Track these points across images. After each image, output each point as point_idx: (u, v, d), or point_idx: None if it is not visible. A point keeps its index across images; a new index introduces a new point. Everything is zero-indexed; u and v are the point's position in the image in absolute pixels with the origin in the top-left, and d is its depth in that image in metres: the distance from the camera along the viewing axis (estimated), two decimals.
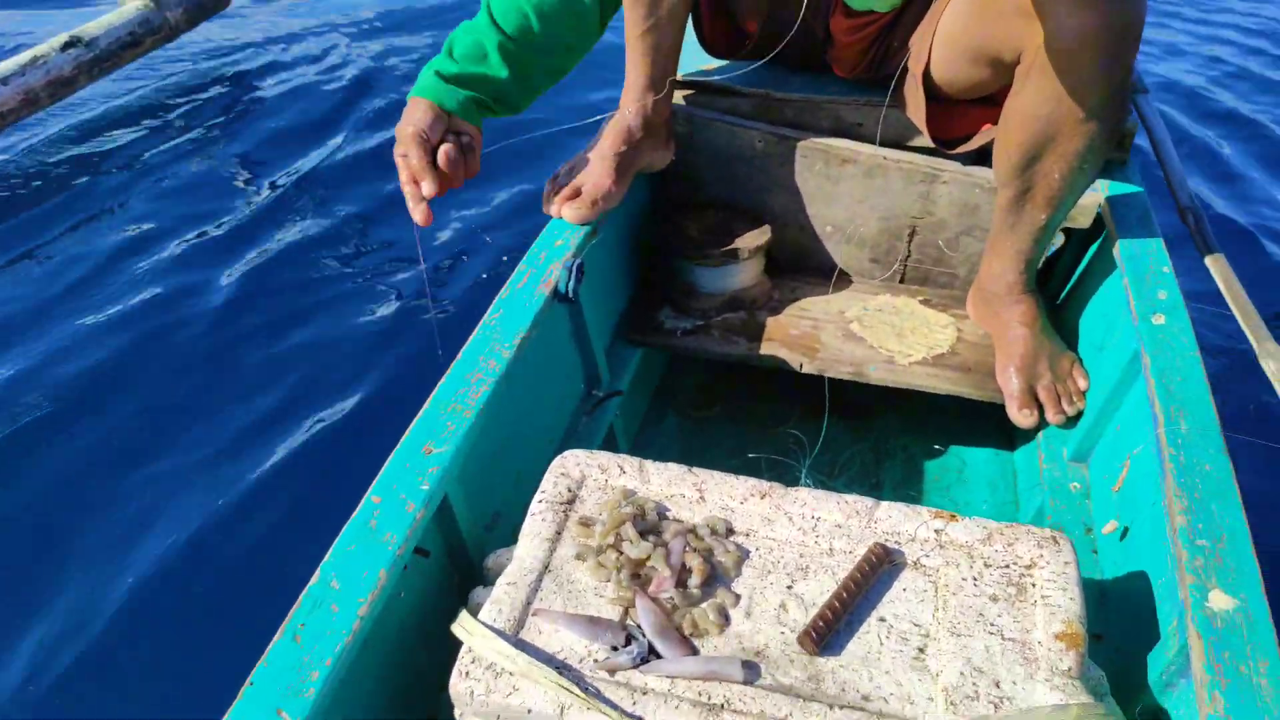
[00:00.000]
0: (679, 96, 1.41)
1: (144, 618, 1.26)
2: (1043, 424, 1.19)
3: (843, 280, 1.45)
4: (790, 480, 0.87)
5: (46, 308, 1.83)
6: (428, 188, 1.04)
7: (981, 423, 1.37)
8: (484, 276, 1.97)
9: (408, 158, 1.05)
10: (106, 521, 1.39)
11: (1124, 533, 0.96)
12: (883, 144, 1.36)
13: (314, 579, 0.74)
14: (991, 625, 0.73)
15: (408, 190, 1.06)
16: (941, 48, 1.21)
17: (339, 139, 2.52)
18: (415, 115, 1.08)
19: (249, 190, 2.28)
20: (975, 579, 0.77)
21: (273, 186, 2.29)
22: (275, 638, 0.70)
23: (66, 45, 2.48)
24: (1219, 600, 0.72)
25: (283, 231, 2.11)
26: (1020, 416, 1.19)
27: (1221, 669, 0.67)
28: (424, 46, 3.08)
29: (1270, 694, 0.65)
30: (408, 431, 0.88)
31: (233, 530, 1.38)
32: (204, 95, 2.76)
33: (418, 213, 1.06)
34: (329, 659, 0.68)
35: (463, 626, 0.73)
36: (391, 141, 1.11)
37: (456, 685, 0.70)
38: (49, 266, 1.96)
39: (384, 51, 3.02)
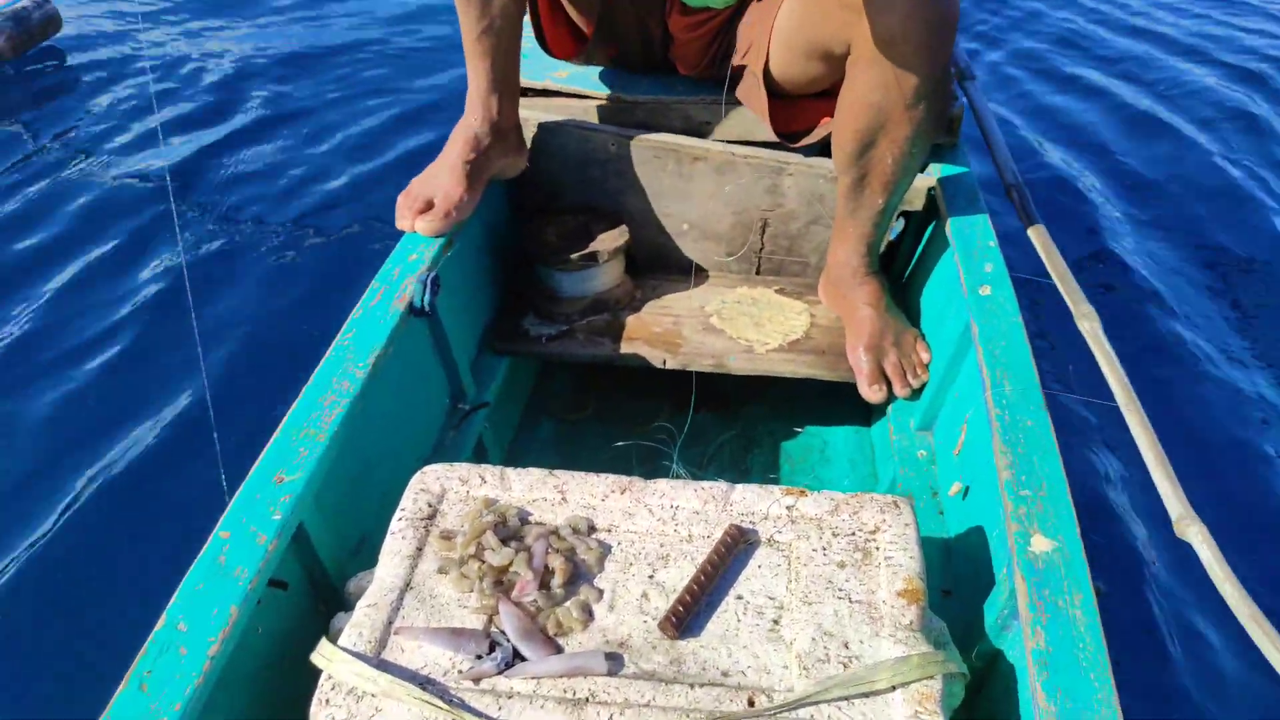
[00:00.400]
0: (533, 104, 1.41)
1: None
2: (892, 398, 1.26)
3: (701, 275, 1.48)
4: (665, 473, 0.90)
5: None
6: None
7: (839, 402, 1.43)
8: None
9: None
10: None
11: (965, 492, 1.02)
12: (731, 140, 1.41)
13: (160, 623, 0.72)
14: (840, 590, 0.77)
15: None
16: (778, 45, 1.26)
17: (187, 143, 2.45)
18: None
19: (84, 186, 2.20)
20: (824, 549, 0.81)
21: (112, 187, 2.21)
22: (120, 688, 0.67)
23: None
24: (1040, 543, 0.77)
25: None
26: (870, 392, 1.25)
27: (1043, 606, 0.73)
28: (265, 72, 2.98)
29: (1084, 624, 0.71)
30: (258, 461, 0.86)
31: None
32: (37, 115, 2.61)
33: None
34: (179, 703, 0.66)
35: (321, 654, 0.72)
36: None
37: (317, 714, 0.69)
38: None
39: (253, 74, 2.91)
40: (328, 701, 0.69)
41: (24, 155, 2.39)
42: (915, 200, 1.36)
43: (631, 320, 1.38)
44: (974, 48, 3.27)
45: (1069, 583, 0.74)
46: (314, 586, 0.90)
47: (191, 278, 1.91)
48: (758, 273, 1.49)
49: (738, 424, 1.46)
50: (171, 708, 0.66)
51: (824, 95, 1.34)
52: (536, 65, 1.45)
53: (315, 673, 0.72)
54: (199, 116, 2.61)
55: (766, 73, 1.27)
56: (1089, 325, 1.11)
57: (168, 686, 0.67)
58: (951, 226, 1.26)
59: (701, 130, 1.43)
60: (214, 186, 2.28)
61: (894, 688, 0.70)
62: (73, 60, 2.93)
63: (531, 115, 1.39)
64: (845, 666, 0.71)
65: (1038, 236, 1.30)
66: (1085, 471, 1.40)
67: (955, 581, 0.96)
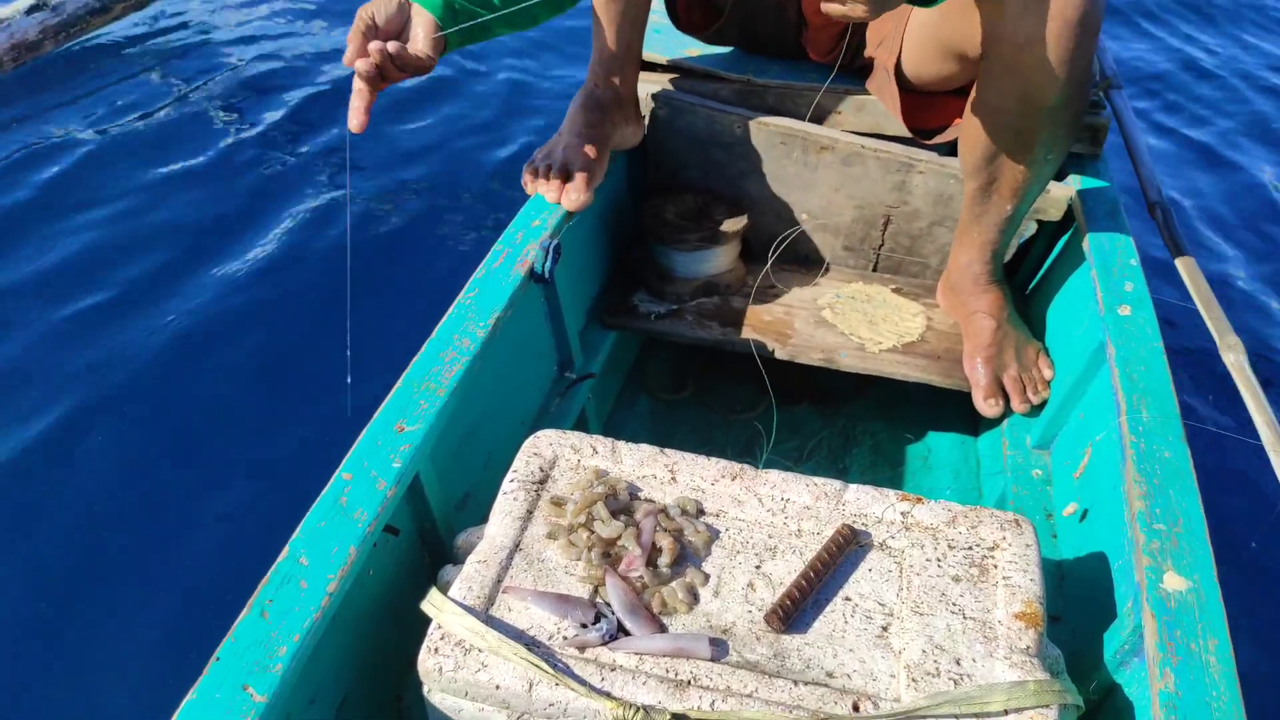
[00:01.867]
0: (660, 80, 1.41)
1: (100, 589, 1.25)
2: (1008, 412, 1.21)
3: (817, 267, 1.46)
4: (758, 463, 0.88)
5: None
6: (359, 63, 0.96)
7: (948, 410, 1.39)
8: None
9: (350, 35, 0.99)
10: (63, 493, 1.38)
11: (1083, 515, 0.98)
12: (860, 133, 1.37)
13: (283, 555, 0.74)
14: (954, 605, 0.75)
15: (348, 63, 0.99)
16: (911, 41, 1.22)
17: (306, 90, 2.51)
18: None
19: (230, 139, 2.29)
20: (939, 560, 0.79)
21: (247, 137, 2.30)
22: (242, 613, 0.70)
23: (32, 9, 2.43)
24: (1173, 581, 0.74)
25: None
26: (986, 406, 1.21)
27: (1173, 647, 0.69)
28: None
29: (1218, 670, 0.67)
30: (380, 409, 0.88)
31: (176, 501, 1.38)
32: (177, 61, 2.72)
33: (352, 116, 0.97)
34: (297, 635, 0.68)
35: (432, 603, 0.73)
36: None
37: (425, 661, 0.70)
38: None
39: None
40: (437, 650, 0.70)
41: (164, 99, 2.50)
42: (1052, 209, 1.31)
43: (742, 306, 1.36)
44: (1127, 56, 3.10)
45: (1203, 626, 0.71)
46: (422, 537, 0.92)
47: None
48: (875, 270, 1.45)
49: (839, 421, 1.44)
50: (290, 638, 0.68)
51: (960, 92, 1.29)
52: (668, 40, 1.44)
53: (420, 620, 0.74)
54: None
55: (898, 68, 1.24)
56: (1234, 357, 1.05)
57: (288, 617, 0.69)
58: (1089, 241, 1.20)
59: (831, 120, 1.39)
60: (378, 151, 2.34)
61: (1007, 712, 0.67)
62: (211, 10, 3.04)
63: (660, 92, 1.38)
64: (956, 683, 0.69)
65: (1182, 259, 1.23)
66: (1218, 511, 1.33)
67: (1066, 608, 0.92)
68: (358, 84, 0.96)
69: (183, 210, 2.04)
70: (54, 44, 2.50)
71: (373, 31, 0.99)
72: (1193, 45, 3.27)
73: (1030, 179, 1.13)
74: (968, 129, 1.14)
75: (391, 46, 0.96)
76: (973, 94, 1.11)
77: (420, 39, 1.00)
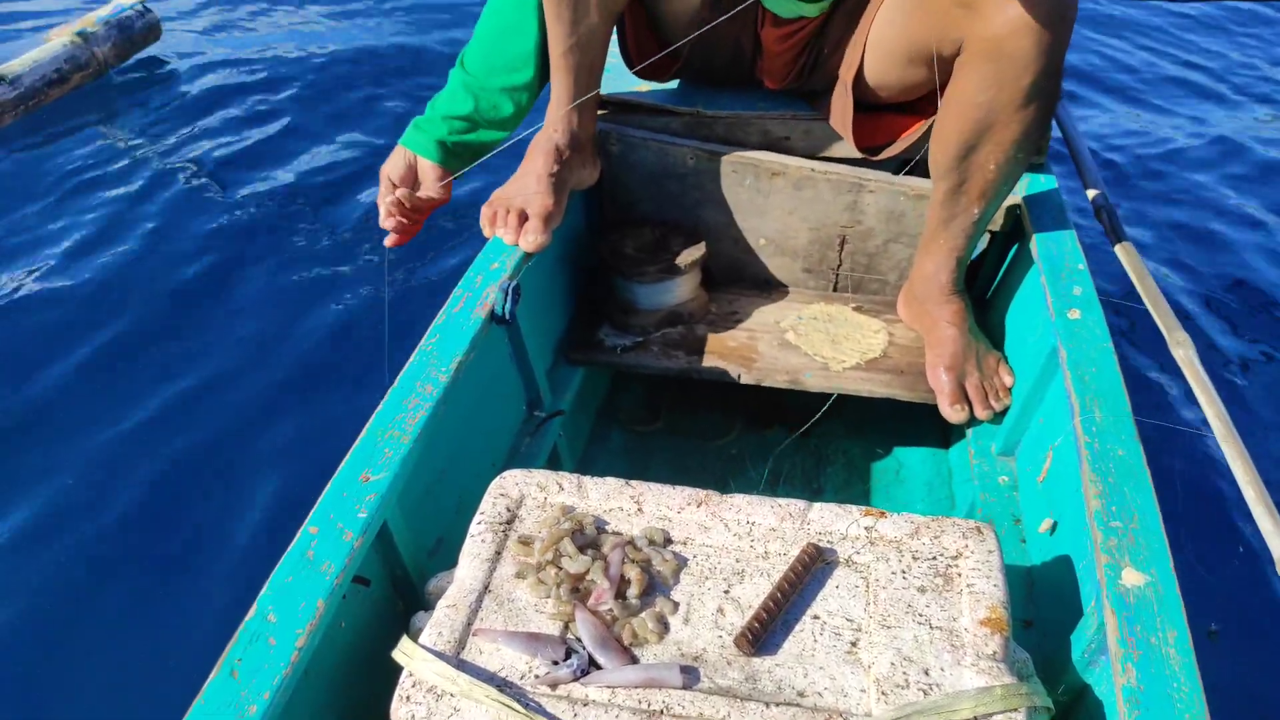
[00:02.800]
0: (610, 118, 1.43)
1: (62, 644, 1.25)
2: (973, 421, 1.23)
3: (778, 291, 1.48)
4: (734, 489, 0.89)
5: None
6: (389, 238, 1.27)
7: (918, 424, 1.41)
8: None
9: (379, 196, 1.27)
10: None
11: (1049, 524, 1.00)
12: (810, 155, 1.40)
13: (250, 613, 0.74)
14: (920, 615, 0.76)
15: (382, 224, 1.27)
16: (875, 50, 1.24)
17: (294, 155, 2.53)
18: (390, 159, 1.28)
19: (209, 202, 2.30)
20: (904, 572, 0.80)
21: (233, 202, 2.31)
22: (212, 674, 0.70)
23: None
24: (1131, 577, 0.75)
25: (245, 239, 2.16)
26: (952, 412, 1.22)
27: (1134, 642, 0.70)
28: (359, 75, 3.07)
29: (1178, 662, 0.68)
30: (345, 460, 0.88)
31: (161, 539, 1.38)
32: (144, 121, 2.73)
33: (388, 239, 1.28)
34: (267, 692, 0.68)
35: (403, 651, 0.74)
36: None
37: (397, 710, 0.70)
38: None
39: (321, 79, 3.01)
40: (408, 699, 0.70)
41: (129, 161, 2.51)
42: (1000, 218, 1.33)
43: (706, 334, 1.38)
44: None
45: (1162, 619, 0.72)
46: (394, 585, 0.92)
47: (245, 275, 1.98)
48: (835, 289, 1.47)
49: (810, 442, 1.45)
50: (260, 696, 0.68)
51: (907, 109, 1.32)
52: (618, 78, 1.47)
53: (394, 669, 0.74)
54: (289, 121, 2.70)
55: (859, 80, 1.26)
56: (1183, 352, 1.08)
57: (257, 675, 0.69)
58: (1038, 246, 1.23)
59: (780, 145, 1.42)
60: (291, 191, 2.36)
61: (975, 718, 0.68)
62: (173, 67, 3.07)
63: (611, 129, 1.41)
64: (925, 693, 0.70)
65: (1128, 258, 1.26)
66: (1178, 505, 1.35)
67: (1037, 612, 0.93)
68: (390, 234, 1.27)
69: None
70: (13, 116, 2.51)
71: (391, 188, 1.25)
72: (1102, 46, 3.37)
73: (1001, 178, 1.14)
74: (941, 128, 1.15)
75: (402, 194, 1.24)
76: (949, 90, 1.12)
77: (429, 182, 1.27)
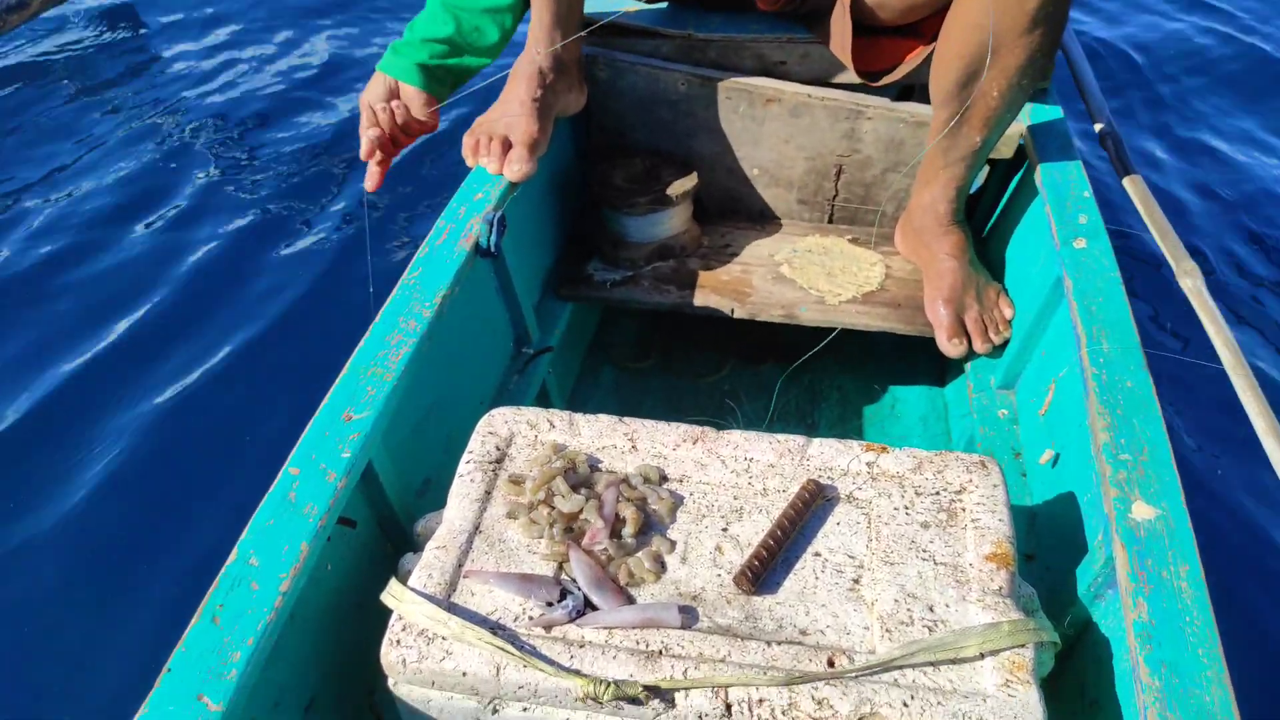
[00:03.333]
0: (599, 41, 1.37)
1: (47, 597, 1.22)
2: (971, 354, 1.20)
3: (772, 223, 1.43)
4: (728, 427, 0.86)
5: None
6: (364, 145, 1.17)
7: (914, 359, 1.38)
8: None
9: (361, 128, 1.19)
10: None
11: (1055, 460, 0.98)
12: (807, 81, 1.34)
13: (231, 557, 0.71)
14: (924, 551, 0.74)
15: (365, 158, 1.19)
16: None
17: (259, 87, 2.43)
18: (369, 87, 1.20)
19: (169, 145, 2.20)
20: (907, 508, 0.77)
21: (199, 138, 2.22)
22: (192, 621, 0.67)
23: None
24: (1141, 510, 0.73)
25: (219, 183, 2.06)
26: (950, 346, 1.20)
27: (1145, 576, 0.68)
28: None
29: (1190, 596, 0.67)
30: (326, 398, 0.85)
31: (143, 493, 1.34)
32: (111, 52, 2.62)
33: (368, 178, 1.18)
34: (251, 638, 0.66)
35: (391, 594, 0.71)
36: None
37: (387, 654, 0.68)
38: None
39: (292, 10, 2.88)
40: (399, 642, 0.68)
41: (86, 94, 2.41)
42: (1004, 147, 1.29)
43: (698, 267, 1.34)
44: None
45: (1174, 553, 0.70)
46: (381, 526, 0.89)
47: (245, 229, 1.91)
48: (830, 221, 1.43)
49: (804, 377, 1.42)
50: (244, 642, 0.66)
51: (908, 32, 1.27)
52: (606, 0, 1.40)
53: (383, 612, 0.71)
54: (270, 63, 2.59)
55: (856, 2, 1.20)
56: (1191, 282, 1.05)
57: (240, 621, 0.67)
58: (1042, 176, 1.19)
59: (776, 71, 1.36)
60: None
61: (983, 655, 0.66)
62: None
63: (599, 53, 1.34)
64: (930, 630, 0.68)
65: (1134, 187, 1.22)
66: (1187, 438, 1.33)
67: (1039, 546, 0.92)
68: (375, 155, 1.17)
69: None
70: None
71: (373, 116, 1.17)
72: None
73: (1004, 106, 1.09)
74: (942, 53, 1.10)
75: (393, 105, 1.17)
76: (951, 12, 1.08)
77: (416, 108, 1.18)
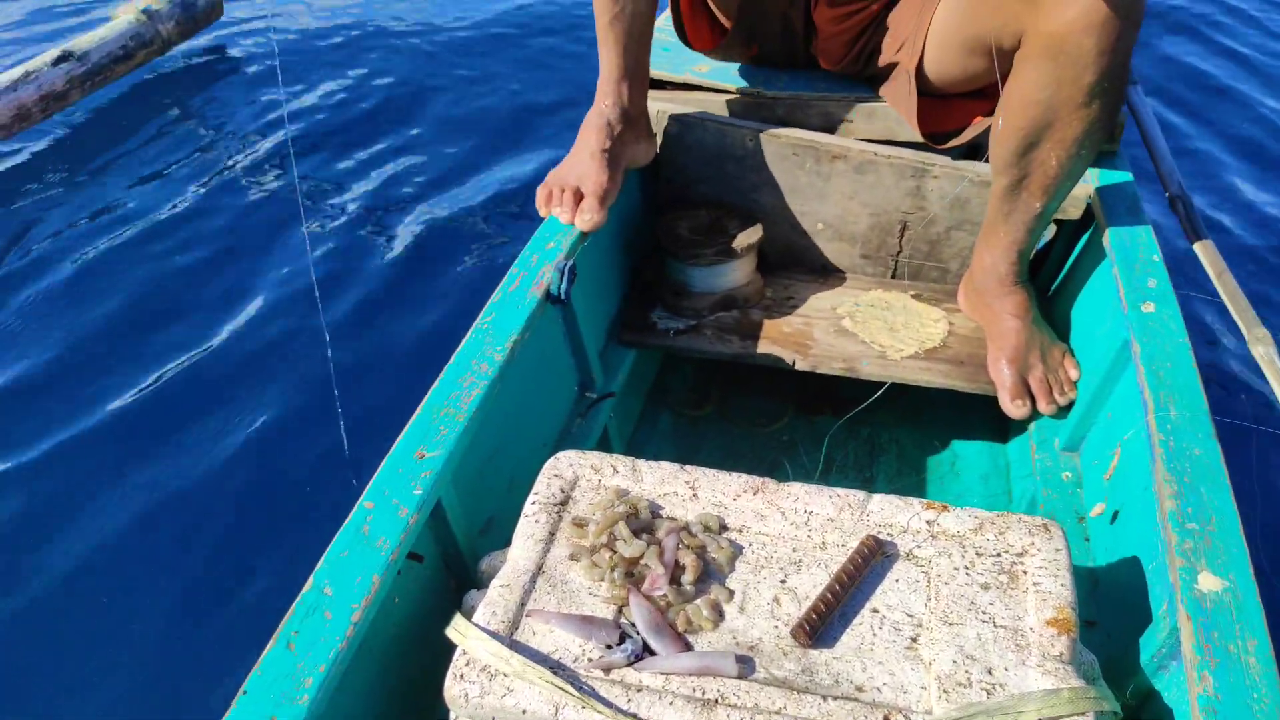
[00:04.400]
0: (671, 97, 1.41)
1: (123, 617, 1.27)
2: (1035, 415, 1.19)
3: (835, 276, 1.45)
4: (784, 477, 0.88)
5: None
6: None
7: (974, 415, 1.37)
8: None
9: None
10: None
11: (1114, 516, 0.96)
12: (873, 139, 1.37)
13: (307, 586, 0.74)
14: (983, 613, 0.74)
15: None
16: (937, 39, 1.21)
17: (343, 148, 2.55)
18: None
19: (248, 192, 2.32)
20: (967, 568, 0.78)
21: (266, 187, 2.33)
22: (269, 646, 0.70)
23: (58, 60, 2.50)
24: (1208, 582, 0.72)
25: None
26: (1013, 408, 1.19)
27: (1211, 649, 0.67)
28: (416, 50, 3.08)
29: (1258, 671, 0.65)
30: (401, 436, 0.88)
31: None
32: (197, 102, 2.77)
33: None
34: (323, 665, 0.69)
35: (456, 629, 0.74)
36: None
37: (451, 688, 0.70)
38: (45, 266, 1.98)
39: (386, 66, 3.01)
40: (462, 676, 0.70)
41: (190, 144, 2.55)
42: (1071, 208, 1.29)
43: (761, 318, 1.36)
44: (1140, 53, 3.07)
45: (1241, 626, 0.69)
46: (447, 562, 0.92)
47: (320, 271, 2.00)
48: (893, 277, 1.44)
49: (863, 430, 1.42)
50: (316, 668, 0.69)
51: (975, 94, 1.28)
52: (676, 58, 1.45)
53: (446, 646, 0.74)
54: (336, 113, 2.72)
55: (920, 70, 1.23)
56: (1263, 350, 1.03)
57: (313, 648, 0.70)
58: (1110, 238, 1.19)
59: (842, 128, 1.39)
60: (342, 178, 2.38)
61: None
62: (233, 46, 3.10)
63: (669, 108, 1.39)
64: (989, 693, 0.68)
65: (1205, 252, 1.21)
66: (1253, 510, 1.29)
67: (1100, 613, 0.90)
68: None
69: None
70: (80, 93, 2.57)
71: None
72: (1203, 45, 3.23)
73: (1063, 175, 1.10)
74: (1001, 123, 1.12)
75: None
76: (1009, 85, 1.09)
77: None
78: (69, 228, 2.15)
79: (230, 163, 2.43)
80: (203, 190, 2.30)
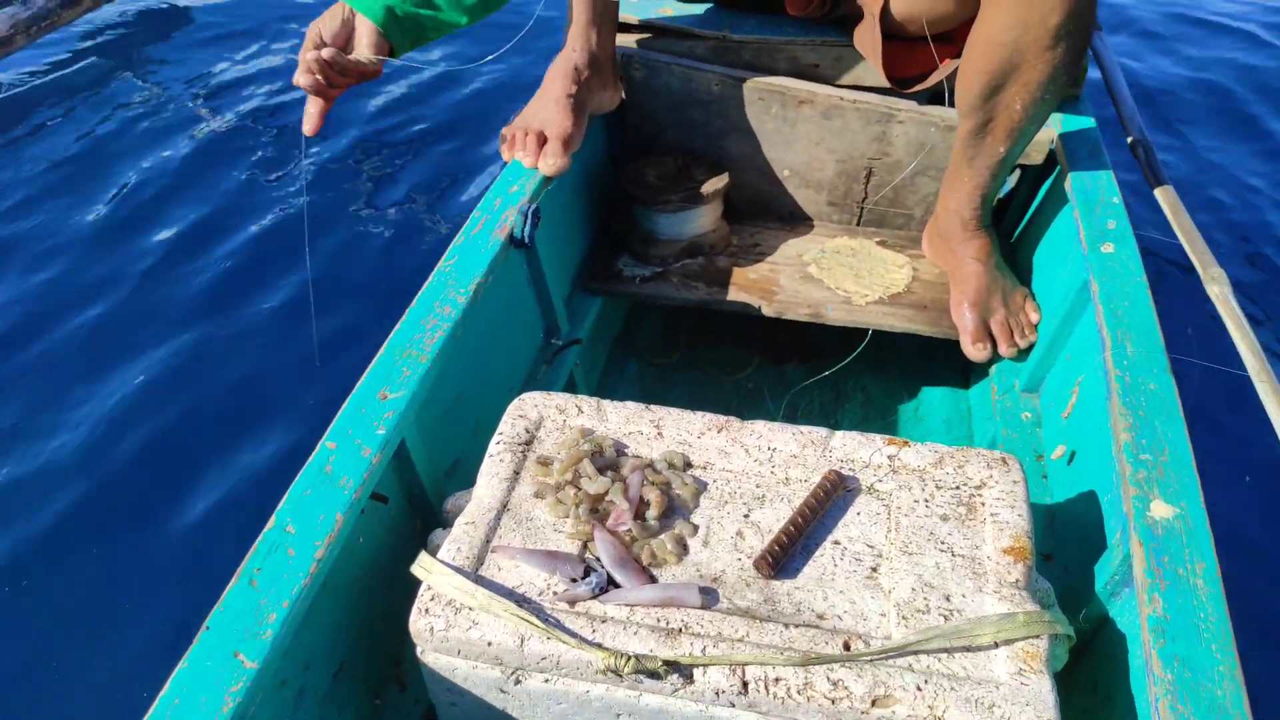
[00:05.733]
0: (634, 40, 1.39)
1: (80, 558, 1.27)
2: (996, 358, 1.21)
3: (801, 224, 1.45)
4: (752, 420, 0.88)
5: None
6: (303, 79, 1.02)
7: (937, 361, 1.39)
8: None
9: (301, 52, 1.05)
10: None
11: (1071, 456, 0.98)
12: (839, 85, 1.36)
13: (269, 524, 0.74)
14: (942, 543, 0.75)
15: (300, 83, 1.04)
16: None
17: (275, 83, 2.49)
18: (325, 15, 1.07)
19: (196, 133, 2.27)
20: (927, 500, 0.79)
21: (223, 126, 2.28)
22: (231, 583, 0.70)
23: (2, 3, 2.40)
24: (1160, 509, 0.74)
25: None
26: (974, 350, 1.20)
27: (1161, 573, 0.69)
28: None
29: (1206, 593, 0.67)
30: (363, 377, 0.87)
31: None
32: (148, 50, 2.68)
33: (306, 122, 1.05)
34: (286, 601, 0.68)
35: (421, 565, 0.74)
36: None
37: (416, 622, 0.70)
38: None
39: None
40: (428, 611, 0.70)
41: (142, 90, 2.47)
42: (1034, 153, 1.30)
43: (727, 266, 1.36)
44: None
45: (1190, 551, 0.71)
46: (412, 504, 0.92)
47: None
48: (859, 223, 1.44)
49: (828, 377, 1.43)
50: (279, 605, 0.68)
51: (942, 39, 1.28)
52: (642, 0, 1.42)
53: (411, 585, 0.74)
54: None
55: (885, 12, 1.22)
56: (1218, 289, 1.05)
57: (276, 584, 0.70)
58: (1072, 182, 1.20)
59: (809, 73, 1.38)
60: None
61: (997, 644, 0.67)
62: None
63: (634, 53, 1.37)
64: (946, 619, 0.69)
65: (1164, 195, 1.23)
66: (1204, 441, 1.33)
67: (1057, 546, 0.93)
68: (306, 119, 1.04)
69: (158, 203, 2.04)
70: (26, 39, 2.47)
71: (320, 46, 1.04)
72: None
73: (1028, 118, 1.10)
74: (966, 66, 1.11)
75: (327, 54, 1.01)
76: (975, 27, 1.09)
77: (363, 46, 1.05)
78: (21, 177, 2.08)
79: (171, 109, 2.37)
80: (179, 140, 2.24)
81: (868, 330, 1.27)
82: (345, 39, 1.06)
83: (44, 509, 1.34)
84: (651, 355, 1.50)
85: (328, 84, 1.03)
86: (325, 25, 1.06)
